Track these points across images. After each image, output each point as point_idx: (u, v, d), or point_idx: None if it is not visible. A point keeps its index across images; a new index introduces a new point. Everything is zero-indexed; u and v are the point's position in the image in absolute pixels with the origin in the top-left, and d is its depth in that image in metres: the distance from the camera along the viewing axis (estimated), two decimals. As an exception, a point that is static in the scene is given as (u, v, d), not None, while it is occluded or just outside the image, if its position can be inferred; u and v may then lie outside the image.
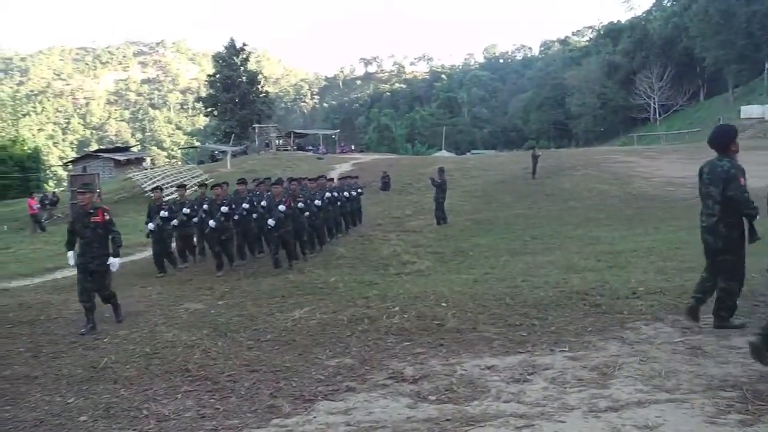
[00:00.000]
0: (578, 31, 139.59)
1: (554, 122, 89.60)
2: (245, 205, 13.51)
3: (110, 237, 8.62)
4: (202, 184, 15.74)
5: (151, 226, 13.36)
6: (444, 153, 73.22)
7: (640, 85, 75.86)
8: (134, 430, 4.94)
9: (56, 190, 53.12)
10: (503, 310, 7.86)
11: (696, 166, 6.70)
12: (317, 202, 14.75)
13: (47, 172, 72.48)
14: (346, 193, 18.05)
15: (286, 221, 12.69)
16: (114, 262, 8.60)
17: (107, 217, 8.64)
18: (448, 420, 4.47)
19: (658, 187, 25.20)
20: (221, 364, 6.52)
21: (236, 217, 13.48)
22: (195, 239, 15.13)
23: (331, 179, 17.88)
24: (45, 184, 57.92)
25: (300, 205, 13.35)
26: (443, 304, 8.29)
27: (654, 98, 75.72)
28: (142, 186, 33.29)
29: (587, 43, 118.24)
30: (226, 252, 13.44)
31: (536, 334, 6.72)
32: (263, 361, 6.51)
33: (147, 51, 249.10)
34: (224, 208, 13.06)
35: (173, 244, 14.51)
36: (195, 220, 13.79)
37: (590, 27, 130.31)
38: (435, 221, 19.72)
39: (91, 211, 8.61)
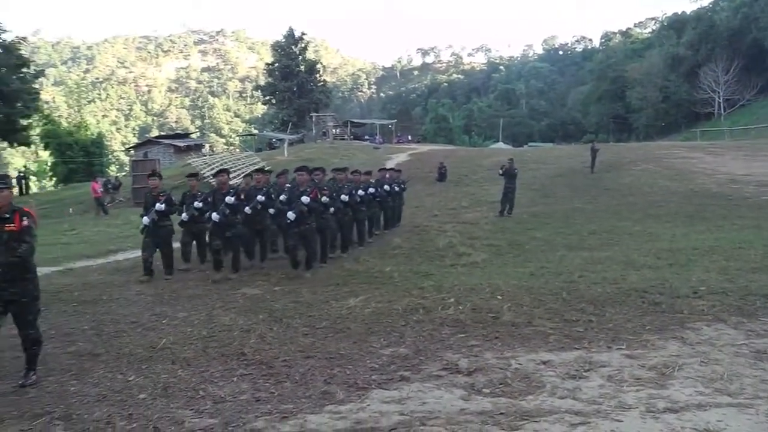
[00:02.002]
0: (640, 22, 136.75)
1: (614, 116, 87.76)
2: (260, 198, 11.87)
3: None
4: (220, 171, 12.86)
5: (146, 220, 11.25)
6: (501, 145, 72.55)
7: (704, 79, 73.58)
8: (191, 410, 5.04)
9: (119, 174, 54.42)
10: (559, 305, 7.80)
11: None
12: (344, 197, 12.80)
13: (110, 157, 74.23)
14: (386, 187, 16.02)
15: (309, 216, 10.95)
16: None
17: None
18: (502, 413, 4.47)
19: (721, 184, 24.51)
20: (276, 349, 6.61)
21: (248, 211, 11.69)
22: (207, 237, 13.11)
23: (368, 173, 15.48)
24: (108, 169, 59.33)
25: (324, 199, 11.36)
26: (499, 297, 8.26)
27: (719, 92, 73.37)
28: (201, 172, 33.81)
29: (650, 35, 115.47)
30: (233, 251, 11.51)
31: (593, 330, 6.65)
32: (318, 347, 6.58)
33: (207, 40, 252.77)
34: (229, 199, 11.11)
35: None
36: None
37: (653, 18, 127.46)
38: (507, 212, 19.73)
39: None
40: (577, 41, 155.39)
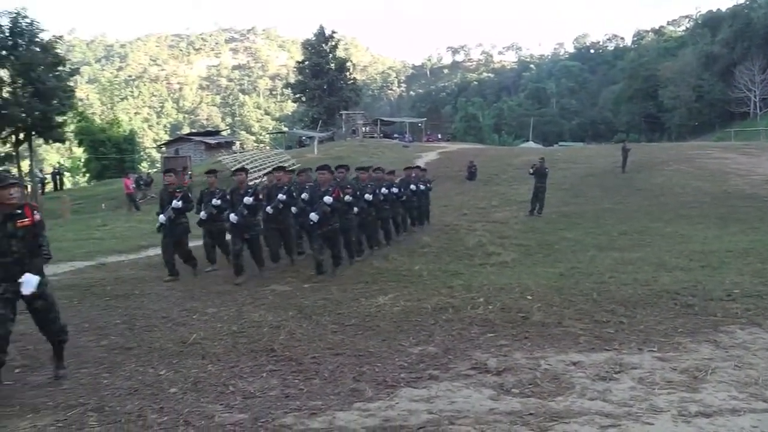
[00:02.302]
0: (674, 20, 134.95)
1: (646, 115, 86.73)
2: (281, 196, 11.43)
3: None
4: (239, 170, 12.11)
5: (162, 218, 10.85)
6: (531, 144, 72.10)
7: (740, 78, 72.47)
8: (221, 404, 5.08)
9: (150, 171, 55.07)
10: (590, 305, 7.74)
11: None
12: (368, 196, 12.31)
13: (142, 153, 75.18)
14: (413, 186, 15.54)
15: (332, 216, 10.43)
16: None
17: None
18: (531, 414, 4.45)
19: (756, 186, 24.11)
20: (305, 345, 6.65)
21: (270, 210, 11.40)
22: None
23: (391, 172, 15.17)
24: (139, 165, 60.08)
25: (347, 198, 10.95)
26: (528, 297, 8.21)
27: (755, 91, 72.16)
28: (231, 169, 34.08)
29: (683, 33, 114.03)
30: (254, 251, 11.09)
31: (624, 332, 6.59)
32: (347, 345, 6.61)
33: (238, 38, 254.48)
34: (247, 199, 10.57)
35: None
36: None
37: (687, 16, 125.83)
38: (537, 211, 19.67)
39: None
40: (608, 39, 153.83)
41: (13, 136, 35.53)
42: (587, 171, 30.64)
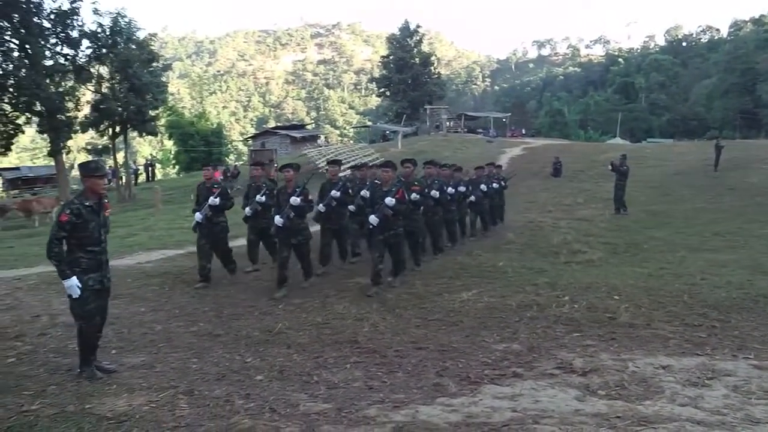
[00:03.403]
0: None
1: (741, 111, 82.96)
2: (335, 193, 10.33)
3: None
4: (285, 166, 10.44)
5: (198, 216, 10.01)
6: (618, 140, 70.16)
7: None
8: (306, 393, 5.19)
9: (237, 163, 56.37)
10: (680, 308, 7.53)
11: None
12: (434, 193, 11.24)
13: (229, 146, 76.99)
14: (483, 186, 14.51)
15: (395, 220, 9.22)
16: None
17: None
18: (618, 417, 4.36)
19: None
20: (389, 339, 6.71)
21: (321, 209, 10.41)
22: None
23: (459, 169, 13.77)
24: (226, 158, 61.58)
25: (414, 196, 9.71)
26: (615, 297, 8.05)
27: None
28: (316, 162, 34.50)
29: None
30: (302, 259, 9.72)
31: (716, 336, 6.38)
32: (430, 339, 6.63)
33: (324, 33, 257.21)
34: (294, 200, 9.13)
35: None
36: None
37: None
38: (614, 210, 19.14)
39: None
40: (702, 31, 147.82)
41: (110, 130, 37.02)
42: (677, 169, 29.61)
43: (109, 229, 5.88)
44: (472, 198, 13.85)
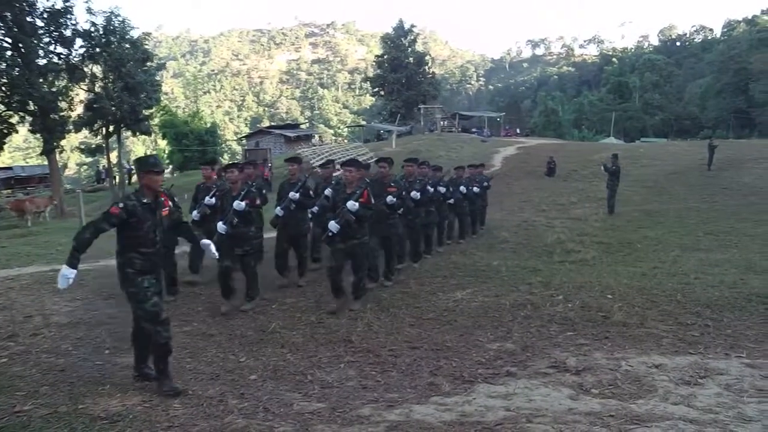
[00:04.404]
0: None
1: (735, 110, 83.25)
2: (293, 195, 9.28)
3: None
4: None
5: (195, 215, 9.26)
6: (612, 140, 70.28)
7: (840, 71, 68.77)
8: (300, 393, 5.20)
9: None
10: (673, 307, 7.55)
11: None
12: (415, 194, 10.23)
13: (223, 145, 76.95)
14: (463, 188, 13.52)
15: (359, 227, 8.02)
16: None
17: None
18: (611, 416, 4.37)
19: None
20: (383, 338, 6.72)
21: (279, 212, 9.42)
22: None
23: (438, 168, 12.73)
24: (220, 157, 61.50)
25: (390, 199, 8.90)
26: (609, 296, 8.08)
27: None
28: (310, 162, 34.49)
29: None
30: (247, 273, 8.51)
31: (710, 335, 6.41)
32: (424, 338, 6.64)
33: (318, 32, 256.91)
34: (239, 204, 8.12)
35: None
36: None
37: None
38: (607, 210, 19.18)
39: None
40: (696, 31, 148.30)
41: (104, 129, 36.99)
42: (671, 168, 29.68)
43: (165, 230, 5.46)
44: (452, 200, 12.92)
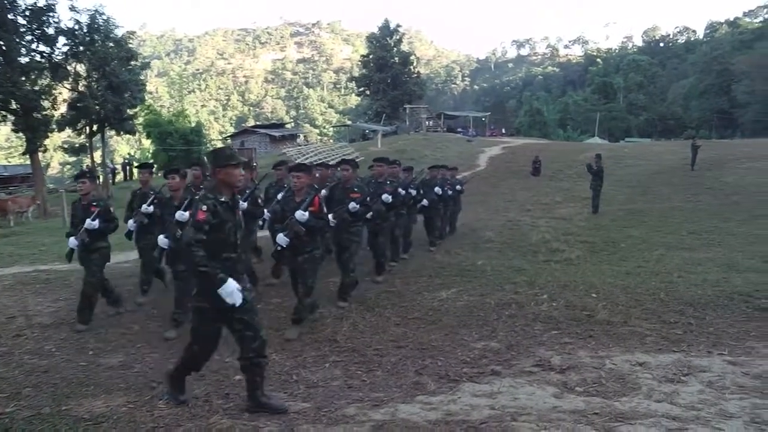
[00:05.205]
0: (751, 11, 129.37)
1: (718, 111, 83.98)
2: (243, 205, 7.62)
3: None
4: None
5: (131, 224, 8.55)
6: (597, 140, 70.65)
7: (820, 72, 69.47)
8: (285, 393, 5.20)
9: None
10: (657, 305, 7.62)
11: None
12: (386, 197, 9.38)
13: (208, 145, 76.66)
14: (438, 189, 12.73)
15: (310, 239, 7.08)
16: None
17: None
18: (595, 414, 4.40)
19: (836, 185, 23.11)
20: (368, 337, 6.73)
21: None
22: None
23: (409, 169, 12.32)
24: (205, 157, 61.19)
25: (353, 206, 8.03)
26: (593, 295, 8.13)
27: (836, 86, 69.13)
28: (296, 161, 34.46)
29: (761, 24, 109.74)
30: (179, 295, 7.47)
31: (692, 333, 6.47)
32: (409, 338, 6.66)
33: (303, 32, 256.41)
34: (181, 214, 7.14)
35: None
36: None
37: (765, 6, 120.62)
38: (592, 209, 19.26)
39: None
40: (679, 32, 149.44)
41: (87, 128, 36.70)
42: (655, 168, 29.89)
43: (243, 232, 4.90)
44: (425, 202, 12.34)
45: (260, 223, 9.21)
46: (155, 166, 10.17)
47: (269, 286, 9.39)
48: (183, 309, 7.06)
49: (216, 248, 4.51)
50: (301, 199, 7.05)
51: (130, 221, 8.50)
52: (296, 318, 7.14)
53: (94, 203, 7.63)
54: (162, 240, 7.36)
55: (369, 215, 8.70)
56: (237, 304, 4.41)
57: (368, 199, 8.49)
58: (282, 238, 6.93)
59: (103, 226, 7.59)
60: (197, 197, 5.10)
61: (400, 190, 10.29)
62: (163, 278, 9.22)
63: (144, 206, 8.29)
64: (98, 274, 7.67)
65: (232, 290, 4.36)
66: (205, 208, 4.47)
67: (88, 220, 7.50)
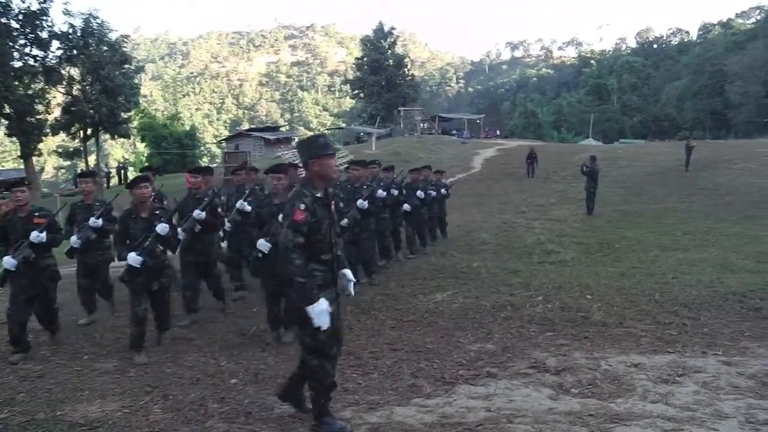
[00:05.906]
0: (743, 12, 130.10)
1: (711, 112, 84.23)
2: (198, 214, 7.66)
3: None
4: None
5: (74, 241, 7.56)
6: (591, 141, 70.74)
7: (813, 72, 69.74)
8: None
9: (211, 165, 56.06)
10: (652, 306, 7.63)
11: None
12: (361, 203, 8.94)
13: (202, 148, 76.59)
14: (420, 193, 12.17)
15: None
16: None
17: None
18: (591, 415, 4.40)
19: (829, 185, 23.20)
20: (364, 340, 6.72)
21: (181, 236, 7.43)
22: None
23: (389, 169, 11.51)
24: (199, 160, 61.19)
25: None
26: (588, 296, 8.14)
27: (829, 87, 69.39)
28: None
29: (753, 25, 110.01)
30: (159, 315, 6.87)
31: (687, 334, 6.48)
32: (405, 341, 6.65)
33: (297, 35, 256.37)
34: (163, 228, 6.39)
35: None
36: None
37: (758, 8, 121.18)
38: (586, 210, 19.29)
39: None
40: (672, 34, 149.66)
41: (81, 132, 36.67)
42: (649, 169, 29.95)
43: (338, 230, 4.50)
44: (407, 207, 11.69)
45: (220, 234, 8.67)
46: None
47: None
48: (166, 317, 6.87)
49: (314, 250, 4.12)
50: (280, 202, 6.42)
51: (74, 237, 7.54)
52: (275, 328, 6.88)
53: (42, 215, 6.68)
54: (132, 257, 6.17)
55: (344, 222, 8.19)
56: (323, 327, 4.00)
57: (341, 204, 8.03)
58: (263, 244, 6.44)
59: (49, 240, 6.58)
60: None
61: (380, 192, 9.62)
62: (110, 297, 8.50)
63: (92, 219, 7.53)
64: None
65: (322, 311, 3.95)
66: (303, 207, 4.04)
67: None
